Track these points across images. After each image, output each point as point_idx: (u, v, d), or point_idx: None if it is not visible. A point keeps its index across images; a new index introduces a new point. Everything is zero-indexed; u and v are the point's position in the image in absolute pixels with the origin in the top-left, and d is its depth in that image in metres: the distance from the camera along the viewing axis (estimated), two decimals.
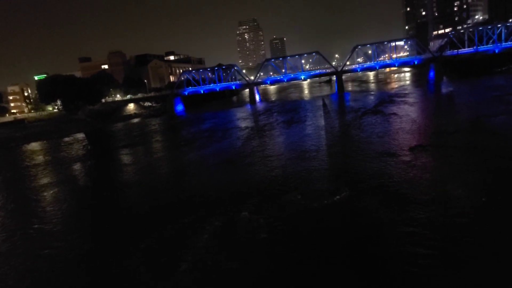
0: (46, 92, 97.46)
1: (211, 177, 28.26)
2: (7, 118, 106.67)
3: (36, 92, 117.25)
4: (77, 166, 41.01)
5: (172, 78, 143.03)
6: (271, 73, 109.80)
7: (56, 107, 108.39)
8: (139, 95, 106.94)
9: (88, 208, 25.31)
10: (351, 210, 18.44)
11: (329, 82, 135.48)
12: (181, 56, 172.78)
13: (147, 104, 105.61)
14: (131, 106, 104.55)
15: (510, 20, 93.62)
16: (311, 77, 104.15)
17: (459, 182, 20.14)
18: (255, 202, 20.81)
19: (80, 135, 70.77)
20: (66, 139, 66.87)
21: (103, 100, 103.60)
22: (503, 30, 79.52)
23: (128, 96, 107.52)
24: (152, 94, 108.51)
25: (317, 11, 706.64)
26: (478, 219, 15.83)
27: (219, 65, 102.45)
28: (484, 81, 68.21)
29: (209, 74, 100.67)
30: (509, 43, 79.12)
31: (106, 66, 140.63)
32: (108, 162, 42.12)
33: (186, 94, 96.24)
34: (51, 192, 30.07)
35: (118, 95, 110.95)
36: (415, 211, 17.11)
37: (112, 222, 21.79)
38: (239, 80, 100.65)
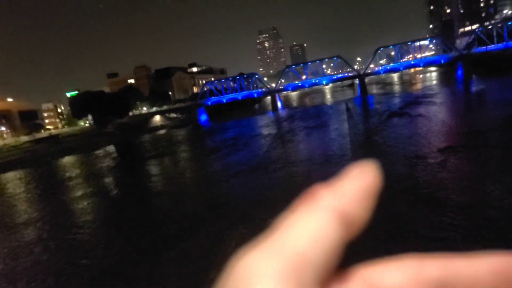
0: (78, 108, 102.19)
1: (236, 184, 28.51)
2: (43, 134, 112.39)
3: (68, 108, 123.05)
4: (107, 178, 42.54)
5: (195, 89, 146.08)
6: (292, 80, 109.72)
7: (87, 122, 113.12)
8: (165, 107, 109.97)
9: (118, 218, 26.13)
10: (381, 214, 18.02)
11: (351, 86, 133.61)
12: (204, 67, 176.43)
13: (172, 115, 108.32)
14: (157, 118, 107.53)
15: None
16: (333, 81, 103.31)
17: (495, 184, 19.29)
18: (280, 210, 20.55)
19: (110, 148, 73.40)
20: (97, 151, 69.59)
21: (131, 113, 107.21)
22: None
23: (154, 109, 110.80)
24: (177, 105, 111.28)
25: (337, 15, 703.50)
26: None
27: (241, 74, 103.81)
28: None
29: (231, 83, 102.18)
30: None
31: (132, 80, 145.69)
32: (136, 172, 43.42)
33: (209, 104, 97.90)
34: (84, 203, 31.31)
35: (144, 108, 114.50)
36: (448, 214, 16.50)
37: (141, 231, 22.40)
38: (260, 88, 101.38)
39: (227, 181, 30.07)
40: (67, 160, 67.26)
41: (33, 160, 73.25)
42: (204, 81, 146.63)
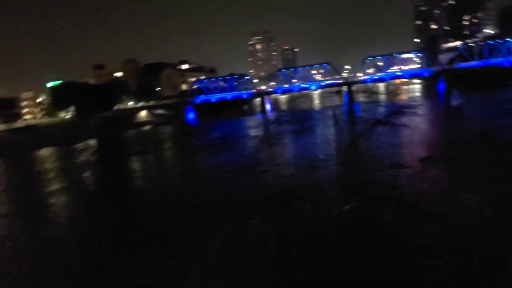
0: (59, 99, 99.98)
1: (221, 184, 28.68)
2: (19, 123, 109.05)
3: (50, 98, 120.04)
4: (86, 172, 41.83)
5: (184, 87, 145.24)
6: (282, 83, 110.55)
7: (69, 114, 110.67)
8: (151, 103, 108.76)
9: (95, 214, 25.81)
10: (361, 221, 18.56)
11: (339, 92, 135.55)
12: (194, 65, 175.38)
13: (159, 111, 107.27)
14: (143, 113, 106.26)
15: None
16: (321, 87, 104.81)
17: (471, 195, 20.16)
18: (265, 211, 21.09)
19: (92, 142, 72.09)
20: (78, 145, 68.19)
21: (116, 107, 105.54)
22: None
23: (141, 104, 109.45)
24: (165, 101, 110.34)
25: (329, 23, 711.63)
26: (492, 233, 15.81)
27: (231, 74, 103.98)
28: (494, 94, 67.76)
29: (221, 83, 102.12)
30: None
31: (120, 74, 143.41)
32: (118, 168, 42.89)
33: (198, 102, 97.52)
34: (59, 198, 30.69)
35: (130, 102, 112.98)
36: (427, 223, 17.15)
37: (120, 228, 22.27)
38: (250, 89, 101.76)
39: (211, 180, 30.18)
40: (45, 152, 65.40)
41: (8, 150, 71.08)
42: (194, 79, 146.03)
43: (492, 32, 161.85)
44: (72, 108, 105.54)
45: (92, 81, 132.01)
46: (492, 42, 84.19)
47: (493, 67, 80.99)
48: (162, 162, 43.77)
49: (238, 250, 16.92)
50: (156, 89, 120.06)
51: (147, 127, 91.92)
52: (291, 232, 18.06)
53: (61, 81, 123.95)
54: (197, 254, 16.64)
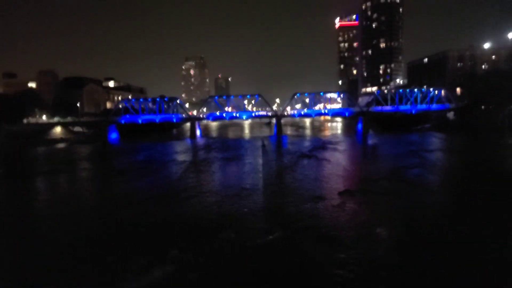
0: None
1: (142, 211, 26.70)
2: None
3: None
4: None
5: (109, 105, 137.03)
6: (214, 110, 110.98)
7: None
8: (69, 119, 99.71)
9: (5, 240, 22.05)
10: (284, 250, 18.67)
11: (269, 124, 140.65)
12: (121, 84, 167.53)
13: (77, 129, 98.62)
14: (58, 130, 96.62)
15: (425, 86, 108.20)
16: (252, 117, 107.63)
17: (381, 226, 21.70)
18: (187, 239, 20.07)
19: None
20: None
21: (25, 121, 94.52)
22: (419, 95, 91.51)
23: (56, 119, 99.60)
24: (85, 119, 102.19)
25: (262, 56, 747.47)
26: (402, 260, 17.05)
27: (162, 96, 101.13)
28: (402, 136, 76.52)
29: (150, 104, 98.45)
30: (424, 105, 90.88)
31: (33, 85, 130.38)
32: (20, 189, 37.50)
33: (123, 122, 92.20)
34: None
35: (44, 117, 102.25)
36: (344, 252, 17.92)
37: (21, 255, 19.21)
38: (181, 113, 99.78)
39: (131, 207, 27.88)
40: None
41: None
42: (120, 98, 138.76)
43: (401, 82, 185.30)
44: None
45: (0, 90, 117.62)
46: (401, 91, 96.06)
47: (402, 113, 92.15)
48: (75, 185, 39.48)
49: (154, 283, 15.57)
50: (77, 104, 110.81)
51: (61, 145, 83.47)
52: (212, 262, 17.31)
53: None
54: None
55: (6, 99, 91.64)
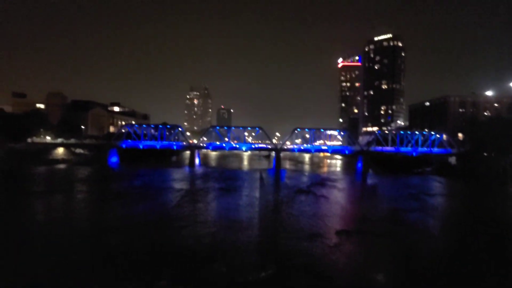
0: None
1: (135, 236, 26.36)
2: None
3: None
4: None
5: (112, 129, 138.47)
6: (215, 140, 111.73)
7: None
8: (72, 140, 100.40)
9: None
10: None
11: (268, 157, 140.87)
12: (126, 109, 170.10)
13: (79, 151, 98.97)
14: (60, 150, 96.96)
15: (426, 130, 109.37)
16: (252, 149, 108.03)
17: (377, 269, 21.27)
18: (178, 269, 19.68)
19: None
20: None
21: (30, 140, 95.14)
22: (420, 137, 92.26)
23: (59, 140, 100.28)
24: (87, 141, 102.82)
25: (264, 90, 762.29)
26: None
27: (164, 124, 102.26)
28: (402, 179, 76.26)
29: (152, 131, 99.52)
30: (425, 148, 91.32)
31: (42, 106, 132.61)
32: (17, 207, 37.24)
33: (124, 147, 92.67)
34: None
35: (48, 137, 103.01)
36: None
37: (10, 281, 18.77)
38: (181, 141, 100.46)
39: (124, 231, 27.55)
40: None
41: None
42: (123, 123, 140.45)
43: (402, 123, 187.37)
44: None
45: (9, 109, 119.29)
46: (402, 132, 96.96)
47: (403, 154, 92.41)
48: (72, 205, 39.13)
49: None
50: (81, 127, 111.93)
51: (62, 166, 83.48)
52: None
53: None
54: None
55: (13, 118, 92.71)
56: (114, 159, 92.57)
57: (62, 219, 32.36)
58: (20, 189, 49.52)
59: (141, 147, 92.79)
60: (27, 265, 20.43)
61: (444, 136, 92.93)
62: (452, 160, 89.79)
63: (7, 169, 70.39)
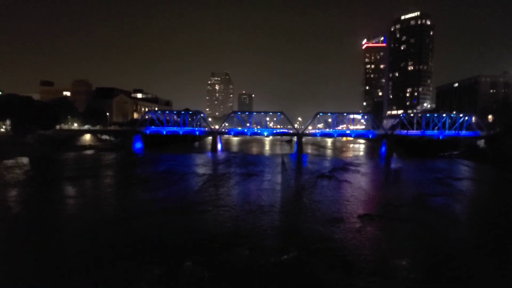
0: None
1: (159, 221, 27.13)
2: None
3: None
4: (12, 192, 37.63)
5: (136, 115, 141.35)
6: (236, 125, 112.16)
7: (3, 127, 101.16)
8: (98, 127, 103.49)
9: (19, 242, 22.95)
10: (297, 272, 18.33)
11: (289, 142, 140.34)
12: (149, 96, 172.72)
13: (105, 137, 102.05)
14: (87, 137, 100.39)
15: (454, 112, 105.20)
16: (273, 134, 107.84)
17: (401, 255, 20.98)
18: (201, 253, 20.12)
19: (24, 160, 65.90)
20: (6, 161, 61.81)
21: (58, 127, 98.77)
22: (447, 120, 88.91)
23: (86, 127, 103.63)
24: (112, 127, 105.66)
25: (286, 75, 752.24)
26: None
27: (186, 110, 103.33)
28: (428, 163, 74.17)
29: (175, 117, 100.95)
30: (452, 131, 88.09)
31: (68, 93, 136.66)
32: (49, 192, 39.13)
33: (148, 133, 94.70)
34: None
35: (75, 124, 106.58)
36: (358, 279, 17.41)
37: (43, 262, 19.84)
38: (203, 127, 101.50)
39: (146, 216, 28.35)
40: None
41: None
42: (147, 109, 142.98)
43: (429, 106, 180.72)
44: (7, 123, 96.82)
45: (37, 96, 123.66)
46: (428, 115, 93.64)
47: (429, 138, 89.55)
48: (100, 190, 40.70)
49: None
50: (106, 114, 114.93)
51: (89, 152, 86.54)
52: (224, 277, 17.26)
53: (1, 92, 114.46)
54: None
55: (42, 106, 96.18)
56: (138, 145, 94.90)
57: (91, 204, 33.68)
58: (53, 173, 51.90)
59: (164, 133, 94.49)
60: (67, 242, 21.56)
61: (473, 118, 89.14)
62: (481, 143, 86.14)
63: (40, 155, 73.63)
